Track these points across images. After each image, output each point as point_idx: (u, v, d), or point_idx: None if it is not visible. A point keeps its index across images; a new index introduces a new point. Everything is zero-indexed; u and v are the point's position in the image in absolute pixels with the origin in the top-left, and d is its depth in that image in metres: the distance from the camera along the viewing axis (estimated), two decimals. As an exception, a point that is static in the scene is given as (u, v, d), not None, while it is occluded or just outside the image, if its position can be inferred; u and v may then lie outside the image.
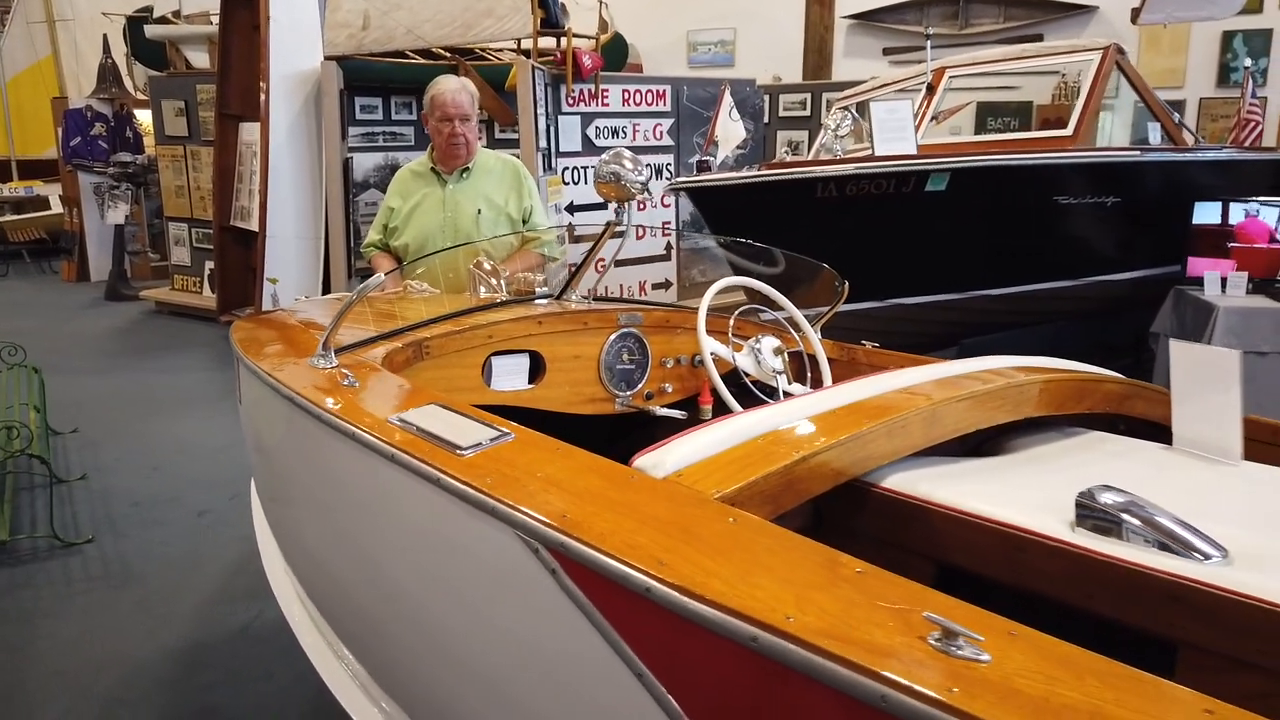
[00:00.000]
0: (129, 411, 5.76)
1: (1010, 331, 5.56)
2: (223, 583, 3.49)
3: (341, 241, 7.08)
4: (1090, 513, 1.29)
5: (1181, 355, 1.66)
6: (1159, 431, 1.93)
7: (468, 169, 3.55)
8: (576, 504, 1.19)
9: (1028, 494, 1.44)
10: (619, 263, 7.37)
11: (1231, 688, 1.15)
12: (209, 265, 8.36)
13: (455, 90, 3.42)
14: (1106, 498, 1.29)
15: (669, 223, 7.82)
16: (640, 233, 7.64)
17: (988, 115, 10.24)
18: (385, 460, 1.40)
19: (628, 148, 7.98)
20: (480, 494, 1.23)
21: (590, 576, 1.08)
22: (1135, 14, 6.54)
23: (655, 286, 7.60)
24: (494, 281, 2.68)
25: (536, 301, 2.54)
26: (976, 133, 9.85)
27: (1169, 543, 1.23)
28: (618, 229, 2.47)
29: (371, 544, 1.57)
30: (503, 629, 1.27)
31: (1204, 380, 1.63)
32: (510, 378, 2.26)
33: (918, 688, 0.80)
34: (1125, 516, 1.26)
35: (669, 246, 7.73)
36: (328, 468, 1.67)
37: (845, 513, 1.57)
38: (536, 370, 2.37)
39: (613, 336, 2.44)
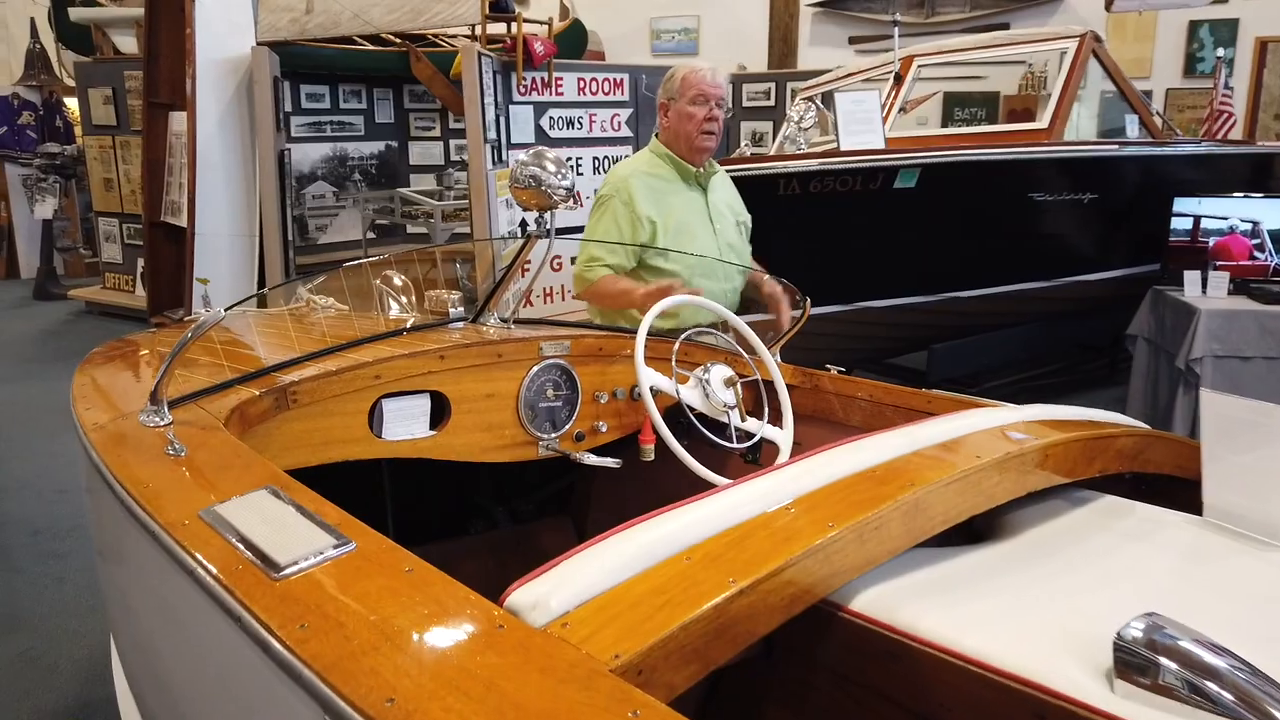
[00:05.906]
0: (42, 425, 5.31)
1: (982, 335, 5.31)
2: (117, 631, 3.12)
3: (277, 239, 6.62)
4: (1134, 663, 0.95)
5: (1213, 408, 1.34)
6: (1175, 484, 1.63)
7: (713, 169, 2.88)
8: (413, 675, 0.85)
9: (1042, 617, 1.11)
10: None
11: None
12: (141, 263, 7.91)
13: (712, 69, 2.76)
14: (1155, 641, 0.95)
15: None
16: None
17: (955, 106, 10.10)
18: (184, 575, 1.05)
19: (585, 138, 7.57)
20: (285, 650, 0.89)
21: None
22: (1109, 1, 6.29)
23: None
24: (405, 299, 2.32)
25: (451, 325, 2.18)
26: (944, 123, 9.67)
27: (1243, 710, 0.91)
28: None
29: (171, 670, 1.21)
30: None
31: (1239, 439, 1.32)
32: (406, 423, 1.88)
33: None
34: (1181, 669, 0.92)
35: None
36: (132, 564, 1.31)
37: (803, 637, 1.21)
38: (441, 412, 2.02)
39: (534, 369, 2.08)
